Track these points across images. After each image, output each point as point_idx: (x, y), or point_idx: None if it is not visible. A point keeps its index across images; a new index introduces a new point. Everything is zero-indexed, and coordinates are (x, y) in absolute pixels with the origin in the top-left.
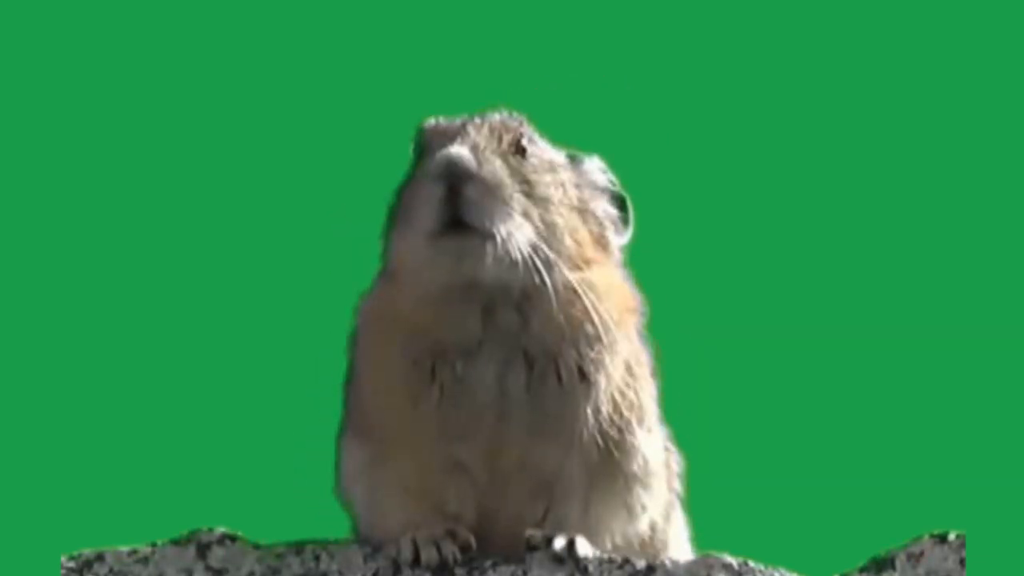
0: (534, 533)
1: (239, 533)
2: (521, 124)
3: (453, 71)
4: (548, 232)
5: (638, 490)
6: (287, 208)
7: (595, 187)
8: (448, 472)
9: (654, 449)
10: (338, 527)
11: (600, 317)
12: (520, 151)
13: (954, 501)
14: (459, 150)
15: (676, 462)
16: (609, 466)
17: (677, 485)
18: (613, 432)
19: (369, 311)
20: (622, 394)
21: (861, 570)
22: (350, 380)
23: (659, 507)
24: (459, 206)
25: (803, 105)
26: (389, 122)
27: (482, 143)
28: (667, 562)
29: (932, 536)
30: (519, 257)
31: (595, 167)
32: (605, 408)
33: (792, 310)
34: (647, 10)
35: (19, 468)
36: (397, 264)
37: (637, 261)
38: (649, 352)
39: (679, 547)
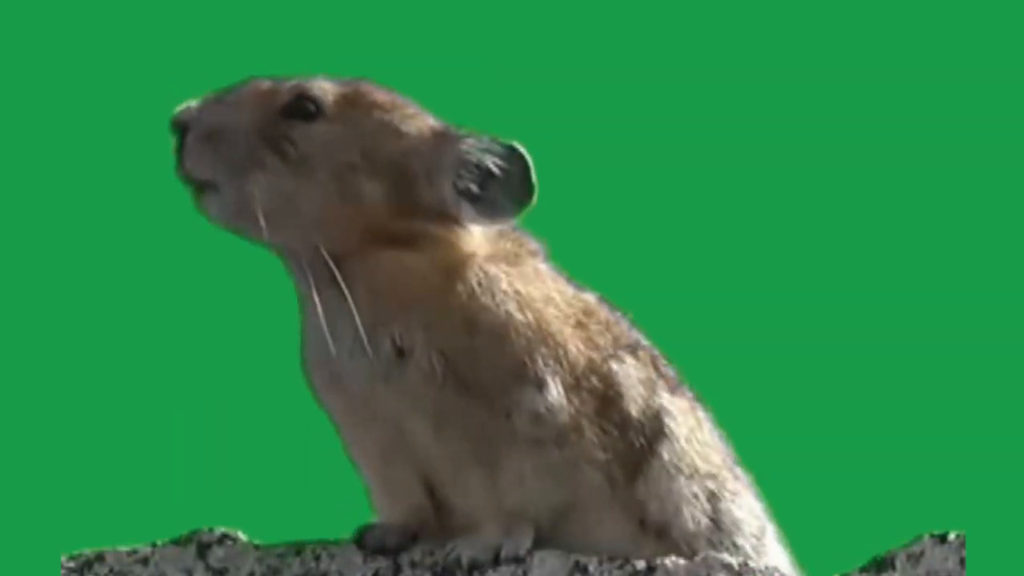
0: (453, 550)
1: (239, 533)
2: (310, 88)
3: (448, 75)
4: (311, 194)
5: (549, 451)
6: None
7: (459, 164)
8: (395, 471)
9: (546, 401)
10: (338, 527)
11: (407, 293)
12: (299, 114)
13: (954, 501)
14: (185, 104)
15: (649, 410)
16: (497, 434)
17: (670, 433)
18: (477, 402)
19: None
20: (470, 356)
21: (861, 570)
22: None
23: (599, 459)
24: (181, 157)
25: (799, 104)
26: None
27: (234, 99)
28: (667, 562)
29: (932, 536)
30: (261, 211)
31: (475, 145)
32: (438, 375)
33: (790, 310)
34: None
35: (19, 468)
36: None
37: (641, 261)
38: (523, 305)
39: (668, 497)
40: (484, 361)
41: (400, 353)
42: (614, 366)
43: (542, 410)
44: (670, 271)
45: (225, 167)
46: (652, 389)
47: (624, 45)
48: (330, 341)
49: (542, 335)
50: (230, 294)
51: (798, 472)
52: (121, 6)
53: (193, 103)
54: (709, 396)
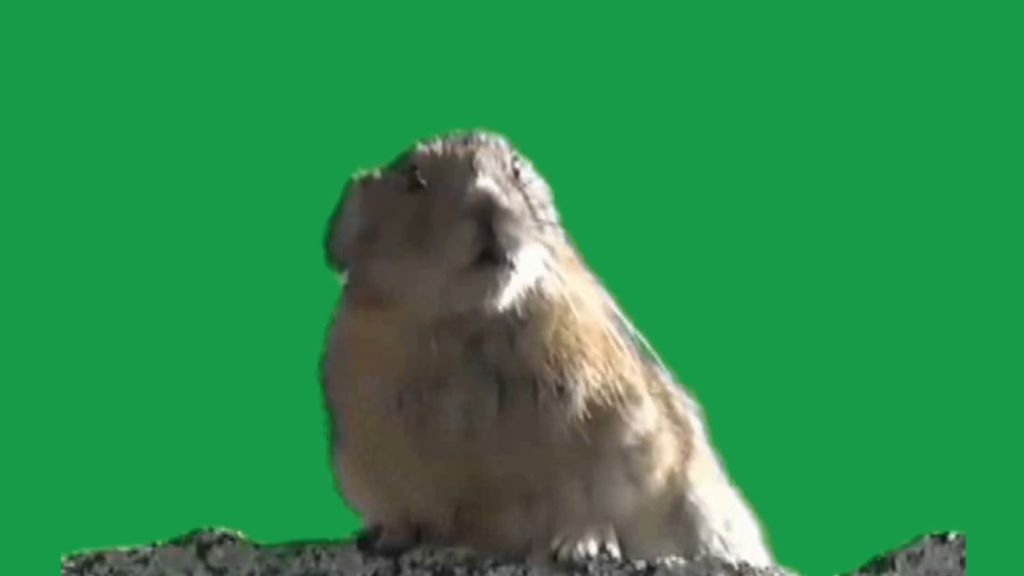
0: (562, 546)
1: (239, 533)
2: (510, 147)
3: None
4: (551, 253)
5: (636, 457)
6: (291, 204)
7: (543, 192)
8: (428, 489)
9: (644, 416)
10: (338, 527)
11: (583, 327)
12: (516, 174)
13: (954, 501)
14: (487, 184)
15: (684, 404)
16: (597, 447)
17: (695, 432)
18: (596, 424)
19: (343, 338)
20: (602, 388)
21: (861, 570)
22: (328, 399)
23: (667, 461)
24: (493, 241)
25: (799, 104)
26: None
27: (498, 173)
28: (667, 562)
29: (932, 536)
30: (532, 283)
31: (533, 174)
32: (584, 410)
33: (790, 310)
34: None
35: (19, 468)
36: (391, 291)
37: (641, 260)
38: (614, 314)
39: (709, 488)
40: (609, 390)
41: (561, 392)
42: (656, 370)
43: (640, 425)
44: (669, 271)
45: (525, 247)
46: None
47: (623, 45)
48: None
49: (632, 355)
50: (230, 295)
51: (798, 472)
52: (122, 7)
53: (489, 185)
54: (708, 396)
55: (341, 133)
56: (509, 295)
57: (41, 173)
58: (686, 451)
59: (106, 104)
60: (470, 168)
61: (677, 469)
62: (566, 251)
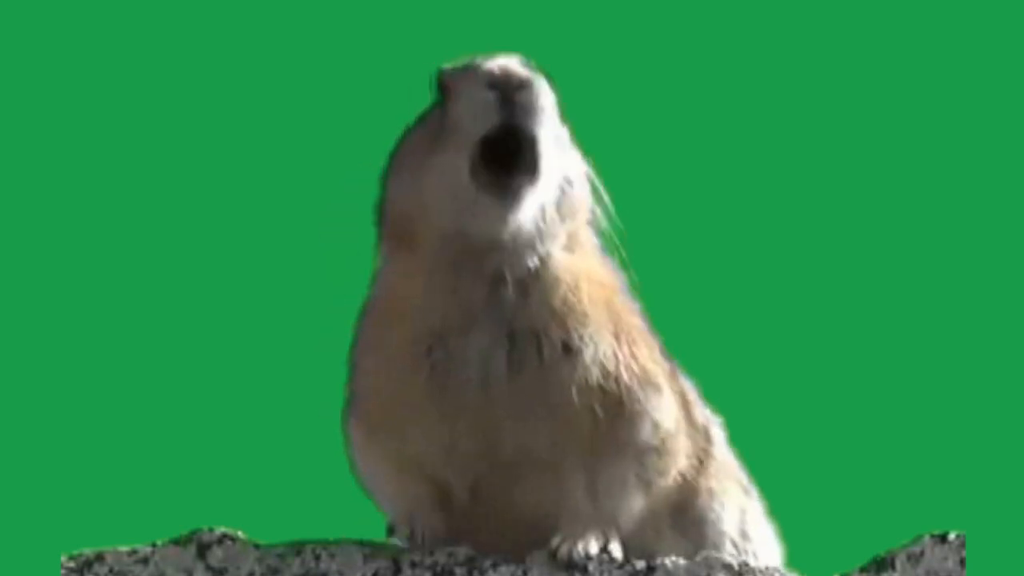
0: (561, 545)
1: (239, 533)
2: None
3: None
4: (566, 198)
5: (652, 459)
6: (286, 202)
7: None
8: (442, 458)
9: (666, 407)
10: (338, 527)
11: (589, 297)
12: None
13: (954, 501)
14: (509, 60)
15: (705, 416)
16: (614, 438)
17: (715, 442)
18: (610, 402)
19: (377, 295)
20: (616, 360)
21: (861, 570)
22: (351, 363)
23: (680, 465)
24: (512, 112)
25: (799, 104)
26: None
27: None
28: (667, 562)
29: (932, 536)
30: (550, 207)
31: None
32: (595, 378)
33: (791, 309)
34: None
35: (19, 468)
36: (410, 211)
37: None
38: (638, 311)
39: (727, 501)
40: (624, 365)
41: (567, 351)
42: (677, 371)
43: (660, 415)
44: (669, 270)
45: (547, 125)
46: (696, 397)
47: (622, 45)
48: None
49: (653, 347)
50: (229, 294)
51: (798, 472)
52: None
53: (512, 59)
54: (709, 395)
55: (341, 133)
56: (528, 208)
57: (41, 173)
58: (702, 458)
59: (106, 104)
60: (494, 63)
61: (688, 477)
62: (591, 239)
